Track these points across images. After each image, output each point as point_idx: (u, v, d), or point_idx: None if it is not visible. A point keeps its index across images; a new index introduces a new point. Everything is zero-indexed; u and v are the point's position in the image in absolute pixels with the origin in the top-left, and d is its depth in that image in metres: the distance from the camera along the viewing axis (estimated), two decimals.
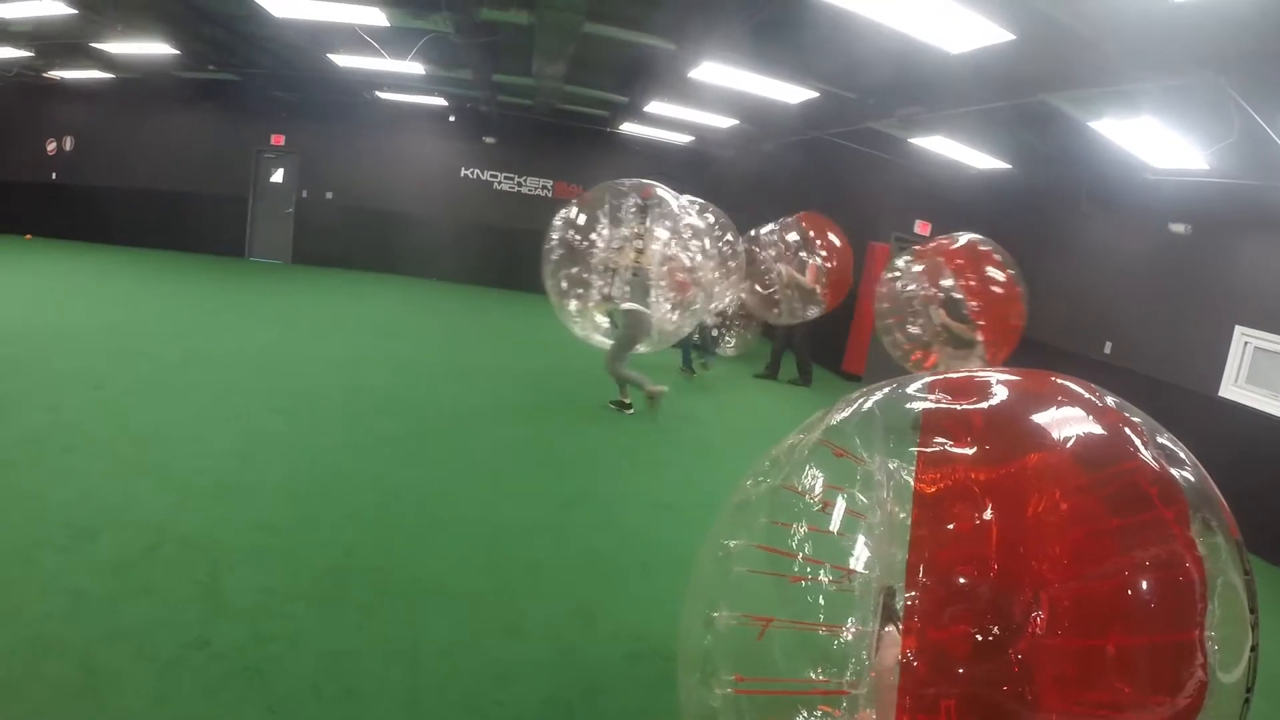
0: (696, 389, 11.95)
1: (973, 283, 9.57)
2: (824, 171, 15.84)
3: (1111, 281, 10.64)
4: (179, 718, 3.44)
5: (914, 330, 10.12)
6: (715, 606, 2.94)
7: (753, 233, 13.23)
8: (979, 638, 2.26)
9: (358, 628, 4.31)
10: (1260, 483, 7.59)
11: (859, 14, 6.27)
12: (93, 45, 13.20)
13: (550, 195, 18.87)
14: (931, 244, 10.41)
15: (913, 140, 10.96)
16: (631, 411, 9.52)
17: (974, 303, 9.42)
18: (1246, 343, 8.96)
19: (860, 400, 2.98)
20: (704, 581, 3.13)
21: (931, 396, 2.73)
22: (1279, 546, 7.68)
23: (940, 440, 2.56)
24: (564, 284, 9.80)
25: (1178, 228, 9.61)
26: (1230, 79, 5.81)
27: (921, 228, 13.64)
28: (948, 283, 9.74)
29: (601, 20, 9.17)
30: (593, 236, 9.86)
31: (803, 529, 2.92)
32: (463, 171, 18.79)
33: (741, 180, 18.13)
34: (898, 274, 10.36)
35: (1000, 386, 2.67)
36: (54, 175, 18.78)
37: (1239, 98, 6.04)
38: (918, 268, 10.16)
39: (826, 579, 2.87)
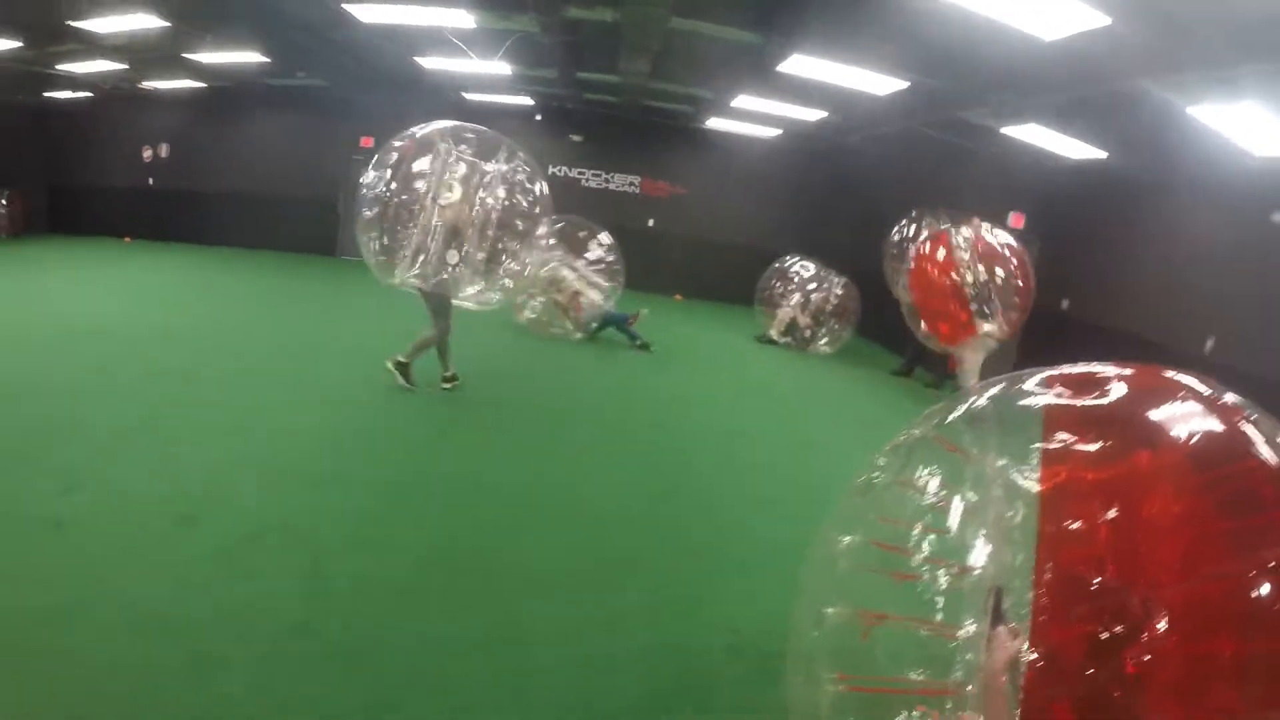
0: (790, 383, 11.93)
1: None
2: (913, 164, 15.62)
3: (1212, 275, 10.27)
4: (279, 701, 3.51)
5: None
6: (825, 602, 2.95)
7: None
8: (1097, 639, 2.24)
9: (456, 615, 4.36)
10: None
11: (950, 1, 6.20)
12: (185, 55, 13.63)
13: (638, 191, 18.95)
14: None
15: (1005, 130, 10.76)
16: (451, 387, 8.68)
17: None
18: None
19: (975, 396, 2.97)
20: (815, 576, 3.14)
21: (1050, 392, 2.70)
22: None
23: (1061, 437, 2.53)
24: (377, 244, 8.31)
25: None
26: None
27: (1015, 220, 13.36)
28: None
29: (687, 15, 9.18)
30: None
31: (915, 526, 2.91)
32: (551, 169, 18.91)
33: (829, 174, 17.99)
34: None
35: (1119, 383, 2.62)
36: (150, 181, 19.54)
37: None
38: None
39: (938, 577, 2.85)
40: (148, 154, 19.51)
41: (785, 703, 3.09)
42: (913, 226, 13.25)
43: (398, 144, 8.19)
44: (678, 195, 19.01)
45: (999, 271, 10.64)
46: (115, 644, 3.69)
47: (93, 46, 12.78)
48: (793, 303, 14.46)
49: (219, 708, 3.38)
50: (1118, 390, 2.58)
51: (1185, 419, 2.44)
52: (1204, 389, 2.53)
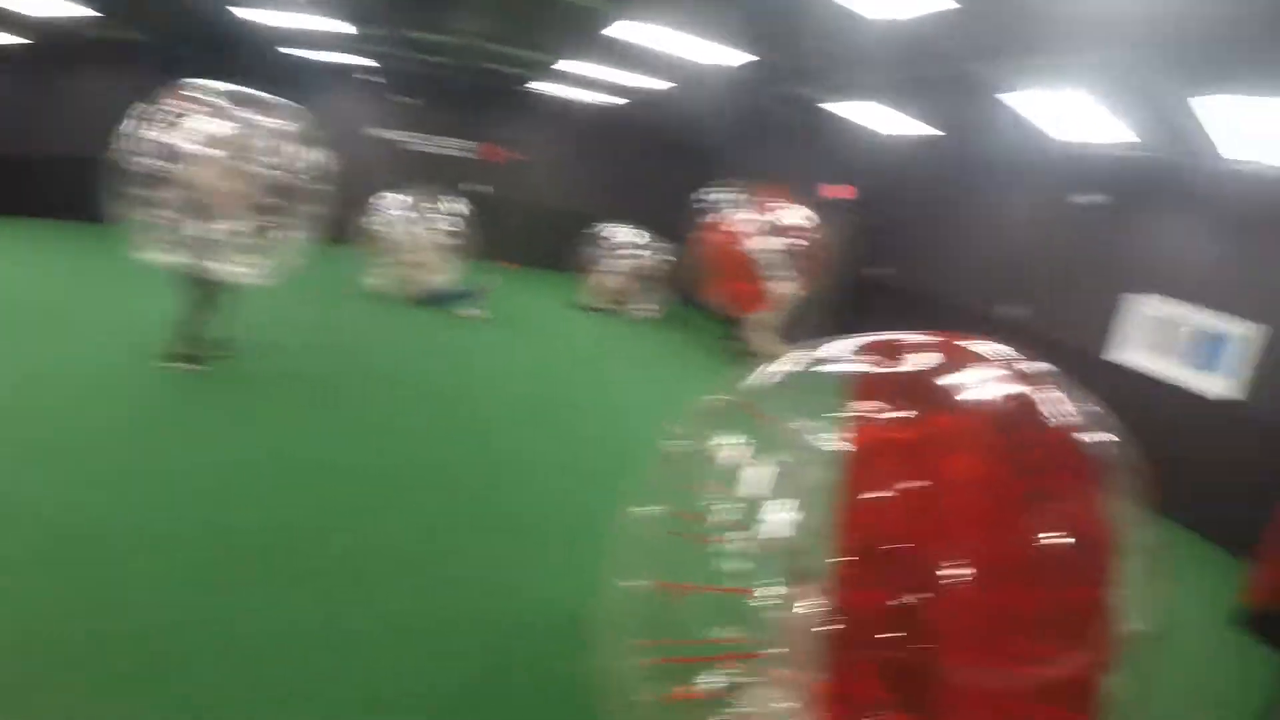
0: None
1: None
2: (751, 135, 15.84)
3: (1021, 248, 10.97)
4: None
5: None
6: (631, 573, 2.99)
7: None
8: (896, 600, 2.34)
9: (279, 607, 4.26)
10: (1148, 441, 7.83)
11: None
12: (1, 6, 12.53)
13: (474, 156, 18.51)
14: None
15: (841, 105, 10.96)
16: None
17: None
18: (1142, 308, 9.42)
19: (781, 362, 3.06)
20: (621, 547, 3.13)
21: (855, 359, 2.81)
22: (1165, 503, 7.92)
23: (864, 403, 2.65)
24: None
25: (1085, 198, 9.88)
26: (1151, 59, 5.97)
27: (847, 191, 13.70)
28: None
29: None
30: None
31: (718, 491, 2.99)
32: (379, 133, 18.27)
33: (667, 144, 18.02)
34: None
35: (923, 350, 2.73)
36: None
37: (1160, 77, 6.15)
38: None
39: (738, 541, 2.91)
40: None
41: (600, 670, 3.09)
42: (715, 196, 13.55)
43: (168, 101, 7.48)
44: (516, 161, 18.68)
45: (788, 242, 11.32)
46: None
47: None
48: (617, 269, 14.44)
49: None
50: (921, 357, 2.71)
51: (984, 385, 2.59)
52: (1002, 357, 2.69)
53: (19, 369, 7.38)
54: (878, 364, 2.70)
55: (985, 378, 2.59)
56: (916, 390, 2.60)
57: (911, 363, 2.67)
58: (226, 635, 3.90)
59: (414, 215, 12.94)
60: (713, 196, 13.96)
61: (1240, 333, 8.50)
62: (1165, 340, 9.31)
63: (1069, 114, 8.14)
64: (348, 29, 12.61)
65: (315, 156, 8.03)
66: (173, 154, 7.27)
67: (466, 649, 4.17)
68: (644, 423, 8.02)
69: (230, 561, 4.61)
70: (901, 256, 13.41)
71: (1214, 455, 8.37)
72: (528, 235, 15.84)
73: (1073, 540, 2.31)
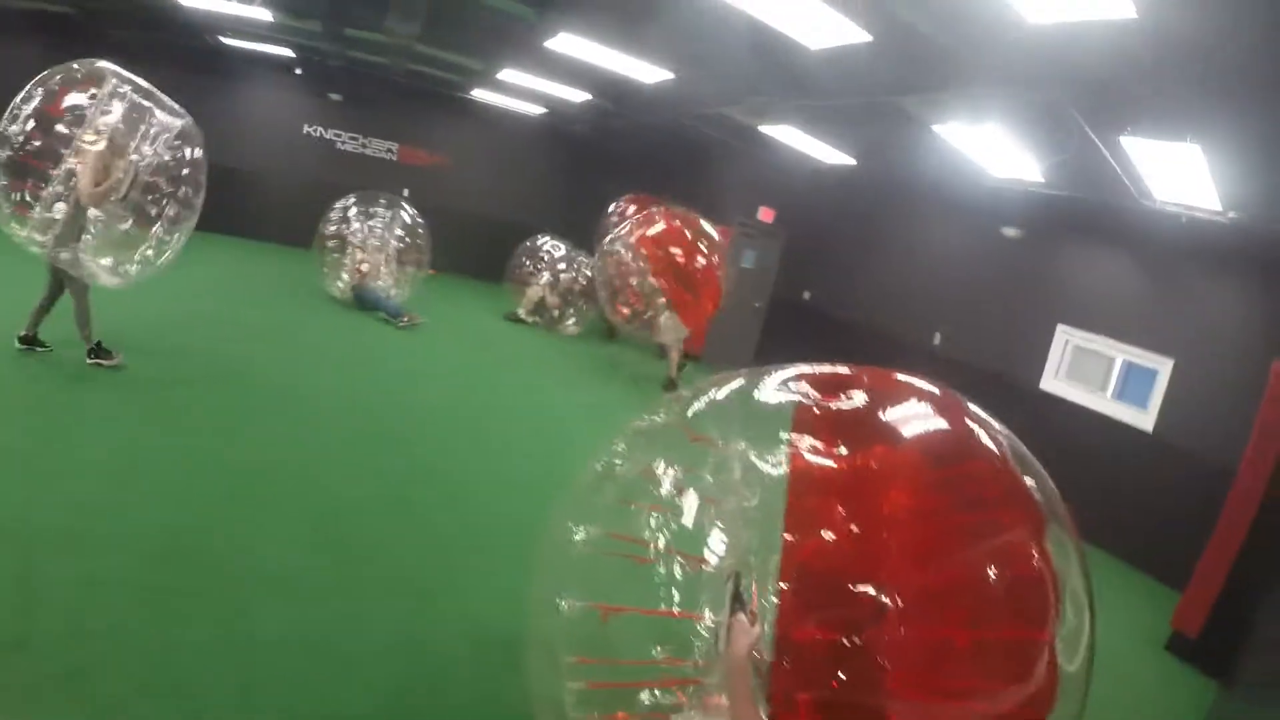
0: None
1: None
2: (674, 153, 15.96)
3: (945, 278, 11.15)
4: None
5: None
6: (561, 591, 2.92)
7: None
8: (836, 638, 2.30)
9: (185, 618, 4.05)
10: (1074, 471, 8.06)
11: (724, 0, 6.29)
12: None
13: (395, 159, 18.37)
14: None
15: (763, 129, 11.13)
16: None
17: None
18: (1067, 340, 9.61)
19: (719, 387, 3.00)
20: (550, 565, 3.10)
21: (796, 389, 2.75)
22: (1092, 531, 8.17)
23: (804, 435, 2.58)
24: None
25: (1010, 232, 10.13)
26: (1074, 99, 6.10)
27: (765, 214, 13.89)
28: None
29: None
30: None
31: (653, 513, 2.93)
32: (306, 129, 18.07)
33: (596, 156, 18.07)
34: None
35: (862, 383, 2.71)
36: None
37: (1080, 119, 6.35)
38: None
39: (676, 564, 2.89)
40: None
41: (528, 693, 3.06)
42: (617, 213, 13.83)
43: (55, 77, 7.09)
44: (438, 166, 18.56)
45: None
46: None
47: None
48: (542, 282, 14.41)
49: None
50: (859, 390, 2.67)
51: (921, 419, 2.57)
52: (938, 392, 2.67)
53: None
54: (817, 395, 2.68)
55: (920, 412, 2.59)
56: (855, 423, 2.59)
57: (851, 396, 2.65)
58: (138, 643, 3.78)
59: (367, 220, 12.87)
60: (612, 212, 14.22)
61: (1158, 366, 8.82)
62: (1091, 372, 9.61)
63: (995, 149, 8.34)
64: (279, 20, 12.48)
65: (197, 158, 7.67)
66: (53, 134, 6.94)
67: (389, 667, 4.06)
68: (580, 438, 8.10)
69: (131, 565, 4.44)
70: (824, 282, 13.60)
71: (1138, 484, 8.62)
72: (450, 241, 15.74)
73: (1014, 578, 2.30)
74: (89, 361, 7.25)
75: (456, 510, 6.06)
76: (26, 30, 16.58)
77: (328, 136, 18.07)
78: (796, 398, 2.72)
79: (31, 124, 6.87)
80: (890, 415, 2.58)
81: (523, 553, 5.18)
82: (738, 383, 2.96)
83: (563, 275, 14.37)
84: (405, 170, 18.14)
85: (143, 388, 7.23)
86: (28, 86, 7.03)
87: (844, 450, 2.53)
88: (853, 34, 6.31)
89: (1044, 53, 5.62)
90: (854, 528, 2.41)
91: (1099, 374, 9.61)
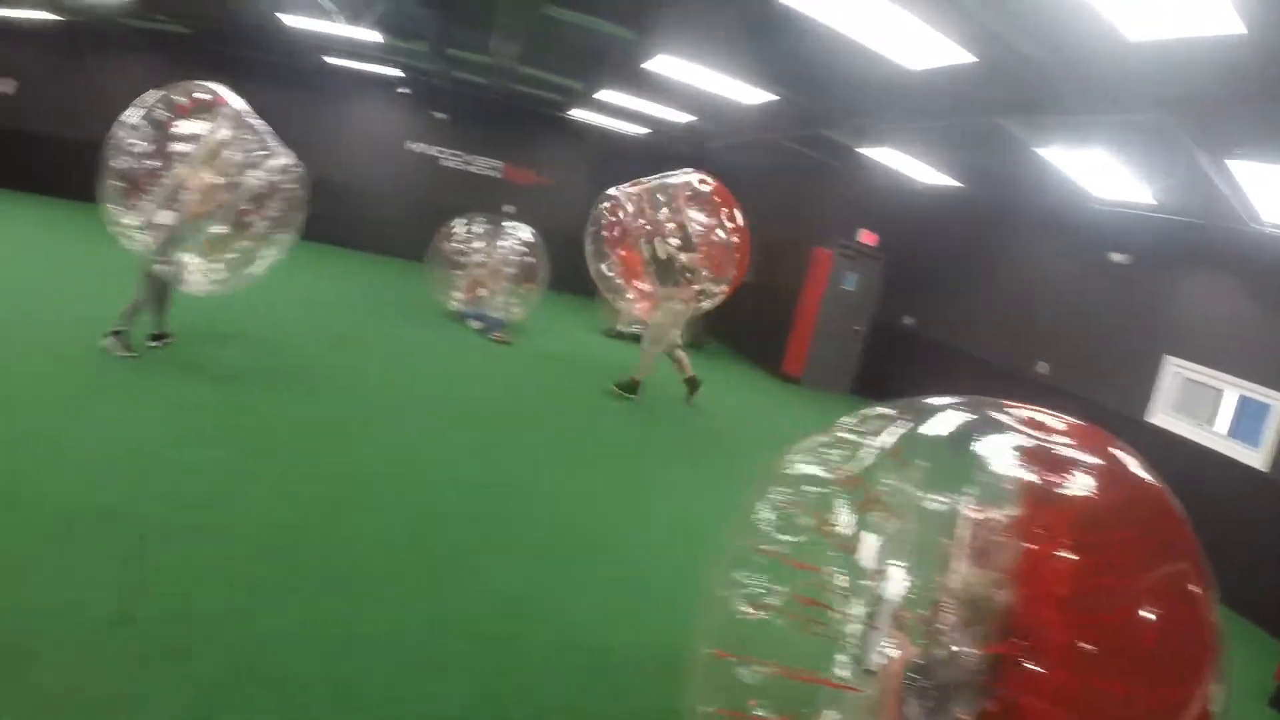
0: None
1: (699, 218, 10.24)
2: (774, 174, 15.91)
3: (1049, 304, 10.85)
4: (99, 698, 3.26)
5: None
6: (728, 646, 2.92)
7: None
8: (989, 665, 2.32)
9: (284, 608, 4.17)
10: (1189, 512, 7.76)
11: (824, 23, 6.27)
12: None
13: (499, 176, 18.67)
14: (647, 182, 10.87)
15: (864, 150, 11.01)
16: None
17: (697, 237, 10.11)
18: (1176, 372, 9.19)
19: (879, 421, 2.98)
20: (718, 623, 3.04)
21: (998, 435, 2.67)
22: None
23: (997, 476, 2.54)
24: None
25: (1117, 257, 9.83)
26: (1180, 120, 5.91)
27: (866, 237, 13.75)
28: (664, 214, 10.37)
29: (563, 3, 9.06)
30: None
31: (824, 556, 2.92)
32: (409, 145, 18.48)
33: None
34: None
35: (1060, 436, 2.64)
36: None
37: (1188, 139, 6.15)
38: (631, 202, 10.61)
39: (839, 587, 2.87)
40: None
41: (612, 699, 3.04)
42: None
43: (170, 95, 7.59)
44: (542, 184, 18.81)
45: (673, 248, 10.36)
46: None
47: None
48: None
49: (33, 705, 3.14)
50: (1059, 443, 2.59)
51: (1094, 470, 2.50)
52: (1122, 455, 2.59)
53: None
54: (1024, 447, 2.57)
55: (1094, 459, 2.54)
56: (1044, 464, 2.51)
57: (1052, 444, 2.58)
58: (236, 630, 3.89)
59: (485, 238, 13.12)
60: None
61: (1273, 401, 8.30)
62: (1200, 405, 9.16)
63: (1100, 172, 8.13)
64: (386, 41, 12.78)
65: (294, 172, 8.05)
66: (162, 149, 7.37)
67: (477, 670, 4.08)
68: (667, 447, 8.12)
69: (236, 557, 4.59)
70: (925, 306, 13.40)
71: (1248, 525, 8.06)
72: (552, 258, 15.88)
73: (1183, 632, 2.31)
74: (103, 337, 7.56)
75: (548, 522, 6.05)
76: (143, 48, 17.37)
77: (431, 153, 18.47)
78: (996, 443, 2.66)
79: (147, 137, 7.32)
80: (1089, 469, 2.52)
81: (611, 565, 5.21)
82: (893, 416, 2.95)
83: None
84: (508, 187, 18.43)
85: (252, 391, 7.53)
86: (146, 100, 7.51)
87: (1023, 499, 2.50)
88: (955, 55, 6.23)
89: (1148, 71, 5.46)
90: (1026, 574, 2.39)
91: (1208, 407, 9.16)
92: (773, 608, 2.93)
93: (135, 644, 3.61)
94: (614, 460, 8.05)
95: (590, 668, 4.22)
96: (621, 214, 10.59)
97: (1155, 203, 8.59)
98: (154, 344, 7.87)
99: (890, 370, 13.60)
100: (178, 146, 7.38)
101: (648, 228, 10.32)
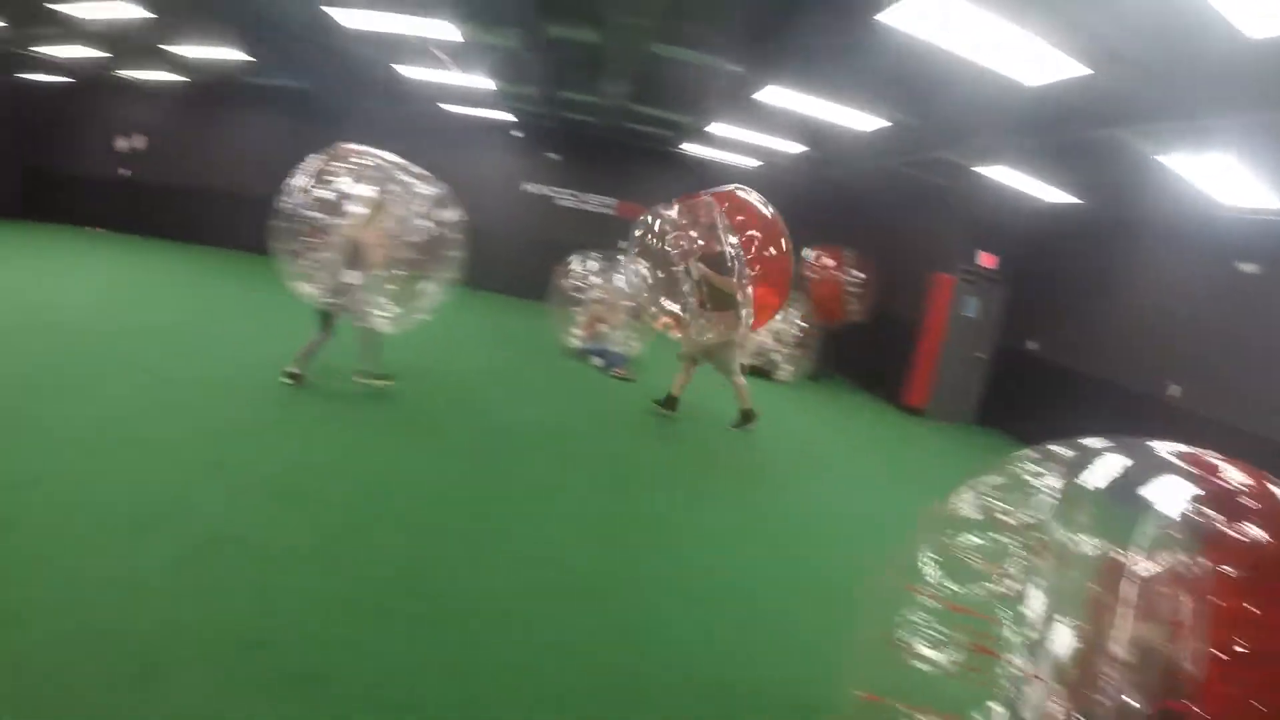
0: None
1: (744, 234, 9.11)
2: (889, 201, 15.76)
3: (1179, 321, 10.41)
4: (236, 717, 3.40)
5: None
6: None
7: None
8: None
9: (412, 638, 4.24)
10: None
11: (934, 44, 6.26)
12: (165, 48, 13.62)
13: (612, 213, 18.96)
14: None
15: (980, 171, 10.88)
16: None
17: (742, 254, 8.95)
18: None
19: (1067, 463, 2.90)
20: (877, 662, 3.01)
21: (1170, 479, 2.61)
22: None
23: (1166, 525, 2.47)
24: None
25: (1247, 267, 9.45)
26: None
27: (986, 260, 13.51)
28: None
29: (670, 41, 9.21)
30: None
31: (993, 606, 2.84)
32: (525, 186, 18.92)
33: (806, 207, 18.04)
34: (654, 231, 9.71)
35: (1229, 476, 2.59)
36: (124, 171, 19.47)
37: None
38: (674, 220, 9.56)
39: (1001, 635, 2.79)
40: (123, 144, 19.46)
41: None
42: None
43: (328, 159, 8.26)
44: None
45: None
46: (62, 651, 3.57)
47: (72, 31, 12.75)
48: (765, 331, 14.37)
49: None
50: (1229, 486, 2.53)
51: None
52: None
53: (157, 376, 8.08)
54: (1196, 493, 2.50)
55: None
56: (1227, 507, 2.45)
57: (1208, 480, 2.53)
58: (367, 658, 3.99)
59: (603, 275, 13.31)
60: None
61: None
62: None
63: (1224, 177, 7.84)
64: (499, 87, 13.15)
65: (451, 218, 8.58)
66: (328, 208, 7.99)
67: (602, 702, 4.07)
68: (799, 491, 8.12)
69: (367, 586, 4.73)
70: (1049, 329, 13.02)
71: None
72: None
73: None
74: (362, 380, 8.49)
75: (670, 558, 6.02)
76: (264, 103, 18.35)
77: (546, 193, 18.87)
78: (1169, 488, 2.59)
79: (308, 199, 8.04)
80: (1241, 512, 2.46)
81: (735, 605, 5.19)
82: (1065, 464, 2.89)
83: (778, 325, 14.33)
84: (622, 224, 18.66)
85: (383, 427, 7.82)
86: (301, 166, 8.30)
87: (1195, 547, 2.43)
88: (1070, 68, 6.17)
89: (1272, 69, 5.32)
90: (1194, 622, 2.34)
91: None
92: (929, 653, 2.86)
93: (268, 668, 3.73)
94: (739, 495, 7.97)
95: (716, 707, 4.18)
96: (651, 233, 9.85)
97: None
98: (380, 382, 8.58)
99: (1015, 398, 13.27)
100: (346, 206, 8.04)
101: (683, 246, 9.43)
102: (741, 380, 9.97)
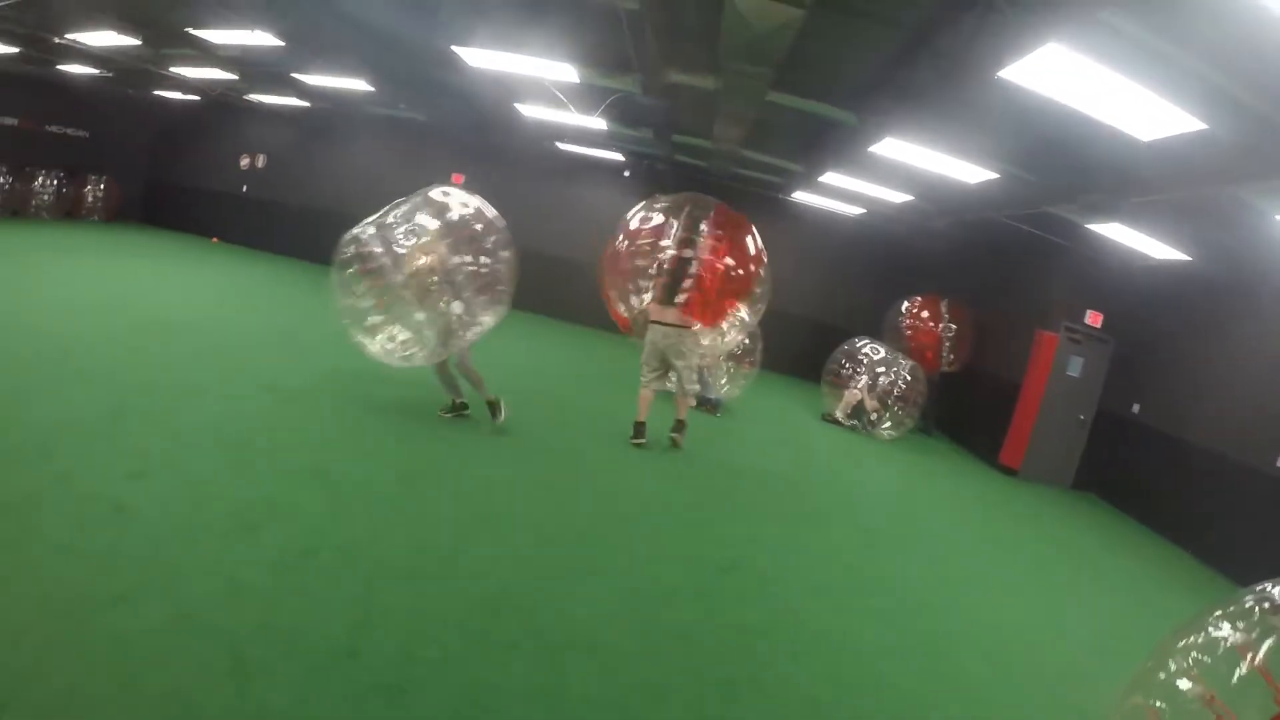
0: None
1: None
2: (995, 253, 15.68)
3: None
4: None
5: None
6: None
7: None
8: None
9: (504, 664, 4.31)
10: None
11: (1049, 98, 6.34)
12: (294, 75, 14.45)
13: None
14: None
15: (1090, 227, 10.84)
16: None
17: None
18: None
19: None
20: None
21: None
22: None
23: None
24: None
25: None
26: None
27: (1093, 318, 13.36)
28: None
29: (786, 89, 9.40)
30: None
31: None
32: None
33: (910, 256, 18.03)
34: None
35: None
36: (244, 188, 20.73)
37: None
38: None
39: None
40: (245, 162, 20.71)
41: None
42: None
43: (418, 201, 8.53)
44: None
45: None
46: (163, 638, 3.77)
47: (207, 54, 13.55)
48: (860, 385, 14.36)
49: (258, 718, 3.44)
50: None
51: None
52: None
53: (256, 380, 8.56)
54: None
55: None
56: None
57: None
58: (454, 677, 4.10)
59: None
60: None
61: None
62: None
63: None
64: (613, 128, 13.49)
65: (505, 256, 8.69)
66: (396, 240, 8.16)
67: None
68: (893, 547, 8.13)
69: (460, 607, 4.84)
70: (1155, 393, 12.73)
71: None
72: (767, 338, 16.07)
73: None
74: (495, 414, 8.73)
75: (764, 604, 6.00)
76: (384, 133, 19.33)
77: None
78: None
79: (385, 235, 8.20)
80: None
81: (827, 662, 5.20)
82: None
83: (881, 379, 14.32)
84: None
85: (487, 453, 8.06)
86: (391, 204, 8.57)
87: None
88: (1186, 123, 6.20)
89: None
90: None
91: None
92: None
93: (356, 677, 3.88)
94: (842, 545, 8.04)
95: None
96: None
97: None
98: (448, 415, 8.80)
99: (1116, 463, 13.07)
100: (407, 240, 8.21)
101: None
102: (691, 396, 10.56)
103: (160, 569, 4.39)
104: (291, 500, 5.76)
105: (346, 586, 4.73)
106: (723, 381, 12.98)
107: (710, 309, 9.67)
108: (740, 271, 9.93)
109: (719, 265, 9.71)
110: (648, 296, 9.65)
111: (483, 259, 8.42)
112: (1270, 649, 2.67)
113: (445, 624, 4.58)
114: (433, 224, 8.26)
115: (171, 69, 15.82)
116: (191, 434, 6.56)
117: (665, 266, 9.60)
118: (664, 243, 9.80)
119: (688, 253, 9.57)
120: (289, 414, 7.73)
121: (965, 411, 15.72)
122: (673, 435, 9.82)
